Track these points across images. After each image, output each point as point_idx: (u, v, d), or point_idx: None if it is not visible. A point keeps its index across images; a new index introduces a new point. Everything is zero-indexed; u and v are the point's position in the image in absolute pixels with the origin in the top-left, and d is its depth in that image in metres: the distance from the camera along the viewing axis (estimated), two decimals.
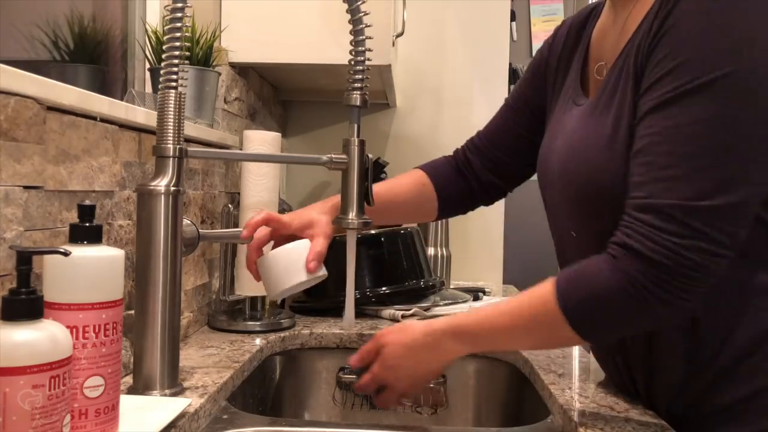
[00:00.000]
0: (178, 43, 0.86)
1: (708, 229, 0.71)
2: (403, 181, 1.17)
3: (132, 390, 0.86)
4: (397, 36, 1.70)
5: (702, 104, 0.72)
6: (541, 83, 1.06)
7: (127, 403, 0.78)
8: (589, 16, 1.01)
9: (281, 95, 2.08)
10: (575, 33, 1.01)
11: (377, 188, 1.06)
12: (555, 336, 0.82)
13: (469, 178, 1.16)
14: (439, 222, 1.89)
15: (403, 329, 0.95)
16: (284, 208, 1.49)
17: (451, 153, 1.21)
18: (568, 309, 0.78)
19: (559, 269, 1.02)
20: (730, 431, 0.82)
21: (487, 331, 0.87)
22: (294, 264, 0.99)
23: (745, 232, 0.74)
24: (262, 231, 1.02)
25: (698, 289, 0.73)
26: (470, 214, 2.11)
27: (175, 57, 0.86)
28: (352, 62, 0.98)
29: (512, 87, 1.16)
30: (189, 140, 1.14)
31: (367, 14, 0.97)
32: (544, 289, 0.81)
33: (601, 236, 0.82)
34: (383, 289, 1.47)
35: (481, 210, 2.12)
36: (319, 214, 1.05)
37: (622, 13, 0.88)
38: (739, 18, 0.72)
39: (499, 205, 2.14)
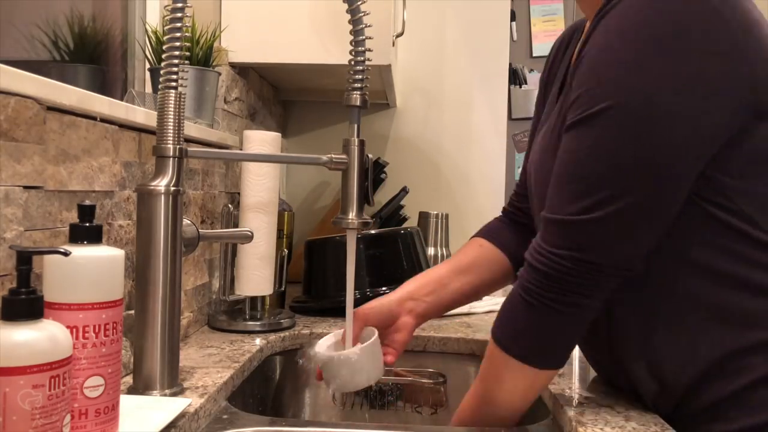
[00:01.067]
0: (178, 43, 0.86)
1: (582, 240, 0.78)
2: (471, 257, 1.14)
3: (132, 390, 0.87)
4: (397, 36, 1.70)
5: (586, 133, 0.78)
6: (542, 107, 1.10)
7: (127, 403, 0.78)
8: (573, 34, 1.05)
9: (281, 95, 2.08)
10: (561, 53, 1.06)
11: (448, 271, 1.12)
12: (515, 383, 0.86)
13: (527, 223, 1.12)
14: (439, 222, 1.89)
15: None
16: (284, 208, 1.49)
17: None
18: (502, 344, 0.84)
19: None
20: (717, 428, 0.82)
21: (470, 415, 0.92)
22: (376, 362, 1.01)
23: (627, 249, 0.78)
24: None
25: (586, 293, 0.79)
26: (470, 213, 2.13)
27: (175, 57, 0.87)
28: (352, 62, 0.98)
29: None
30: (189, 140, 1.14)
31: (367, 14, 0.97)
32: (489, 345, 0.87)
33: None
34: (383, 289, 1.47)
35: (481, 210, 2.14)
36: (398, 306, 1.09)
37: None
38: (630, 56, 0.75)
39: (499, 205, 2.13)
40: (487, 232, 1.16)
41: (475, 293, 1.14)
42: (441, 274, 1.12)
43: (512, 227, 1.15)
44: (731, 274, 0.80)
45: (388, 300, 1.09)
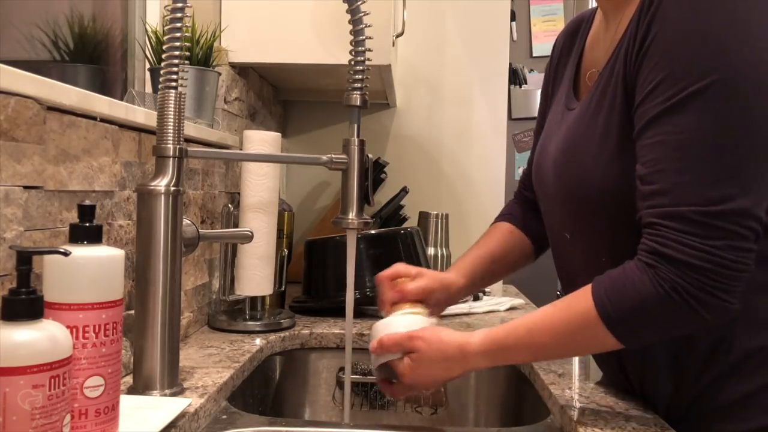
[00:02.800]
0: (178, 43, 0.86)
1: (736, 227, 0.73)
2: (495, 240, 1.15)
3: (132, 390, 0.86)
4: (397, 36, 1.70)
5: (703, 110, 0.73)
6: (551, 97, 1.08)
7: (127, 403, 0.78)
8: (580, 24, 1.04)
9: (281, 95, 2.08)
10: (568, 42, 1.05)
11: (474, 257, 1.12)
12: (595, 346, 0.84)
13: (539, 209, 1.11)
14: (439, 222, 1.89)
15: (440, 341, 0.91)
16: (284, 208, 1.49)
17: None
18: (611, 321, 0.78)
19: (556, 271, 1.03)
20: (730, 428, 0.82)
21: (525, 348, 0.86)
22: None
23: (763, 226, 0.75)
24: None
25: (738, 288, 0.74)
26: (470, 213, 2.13)
27: (175, 57, 0.87)
28: (352, 62, 0.98)
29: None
30: (189, 140, 1.14)
31: (367, 14, 0.97)
32: (583, 303, 0.80)
33: (594, 238, 0.83)
34: None
35: (481, 210, 2.14)
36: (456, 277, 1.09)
37: (613, 21, 0.90)
38: (722, 23, 0.73)
39: (499, 205, 2.14)
40: (509, 216, 1.17)
41: (506, 276, 1.16)
42: (485, 264, 1.12)
43: (528, 207, 1.15)
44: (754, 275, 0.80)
45: (446, 286, 1.08)
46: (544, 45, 2.39)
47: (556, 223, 0.97)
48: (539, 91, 1.18)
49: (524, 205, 1.17)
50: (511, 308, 1.66)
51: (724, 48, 0.73)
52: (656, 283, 0.75)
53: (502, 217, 1.18)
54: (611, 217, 0.84)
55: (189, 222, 0.93)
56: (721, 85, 0.72)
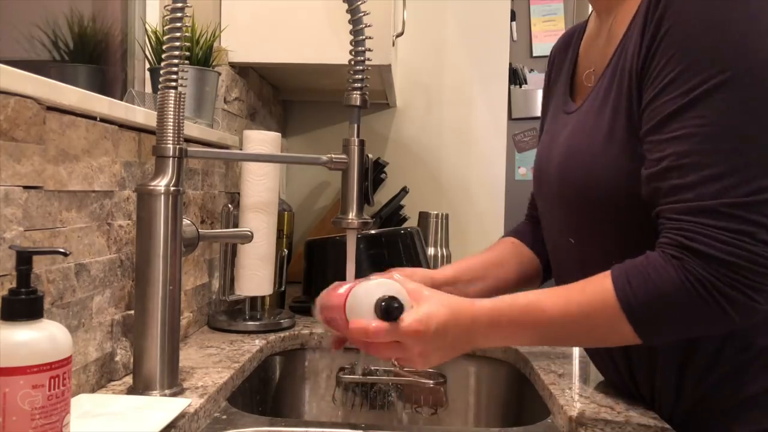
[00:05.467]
0: (178, 43, 0.86)
1: (766, 220, 0.71)
2: (503, 253, 1.11)
3: (132, 390, 0.87)
4: (397, 36, 1.70)
5: (728, 101, 0.72)
6: (548, 107, 1.08)
7: (127, 403, 0.78)
8: (573, 35, 1.04)
9: (281, 95, 2.08)
10: (563, 49, 1.05)
11: (483, 263, 1.07)
12: (611, 336, 0.78)
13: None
14: (439, 222, 1.89)
15: (452, 317, 0.78)
16: (284, 208, 1.49)
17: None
18: (632, 311, 0.74)
19: (554, 279, 1.02)
20: (732, 430, 0.82)
21: (535, 326, 0.78)
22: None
23: None
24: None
25: (766, 287, 0.72)
26: (470, 213, 2.13)
27: (175, 57, 0.87)
28: (352, 62, 0.98)
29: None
30: (189, 140, 1.14)
31: (367, 14, 0.97)
32: (602, 287, 0.76)
33: (603, 241, 0.82)
34: None
35: (481, 210, 2.14)
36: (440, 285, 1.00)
37: (606, 19, 0.90)
38: (739, 12, 0.73)
39: (499, 205, 2.14)
40: (517, 232, 1.15)
41: (505, 289, 1.08)
42: (477, 264, 1.08)
43: (538, 228, 1.12)
44: None
45: (431, 277, 1.02)
46: (544, 45, 2.39)
47: (558, 229, 0.95)
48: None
49: (534, 225, 1.14)
50: None
51: (744, 40, 0.72)
52: (682, 275, 0.71)
53: (510, 233, 1.16)
54: (621, 219, 0.82)
55: (189, 222, 0.93)
56: (744, 77, 0.71)
